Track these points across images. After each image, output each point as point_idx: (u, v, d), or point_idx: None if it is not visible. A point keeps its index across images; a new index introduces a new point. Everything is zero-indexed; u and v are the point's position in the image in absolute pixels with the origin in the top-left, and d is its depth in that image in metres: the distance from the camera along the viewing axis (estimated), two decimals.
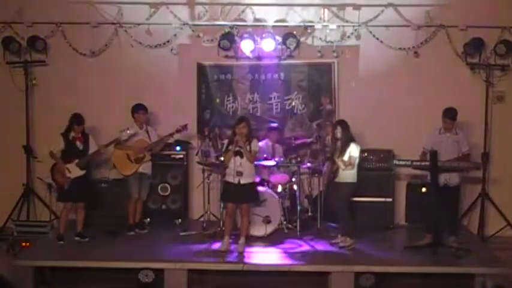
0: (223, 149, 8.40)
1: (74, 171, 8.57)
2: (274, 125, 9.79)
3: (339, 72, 9.90)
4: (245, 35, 9.61)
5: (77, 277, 7.84)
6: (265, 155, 9.26)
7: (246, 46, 9.61)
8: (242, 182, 8.15)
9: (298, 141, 9.66)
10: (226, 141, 8.39)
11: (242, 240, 8.27)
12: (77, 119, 8.62)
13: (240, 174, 8.12)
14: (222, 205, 9.01)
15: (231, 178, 8.17)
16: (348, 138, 8.42)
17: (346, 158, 8.32)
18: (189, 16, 9.92)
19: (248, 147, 8.15)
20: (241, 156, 8.13)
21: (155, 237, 8.94)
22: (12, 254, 8.68)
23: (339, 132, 8.43)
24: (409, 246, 8.48)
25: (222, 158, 8.59)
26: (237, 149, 8.13)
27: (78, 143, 8.65)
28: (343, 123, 8.49)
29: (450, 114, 8.46)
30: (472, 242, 8.81)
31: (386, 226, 9.46)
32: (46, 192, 9.72)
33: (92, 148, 8.70)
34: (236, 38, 9.72)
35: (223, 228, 8.53)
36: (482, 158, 9.52)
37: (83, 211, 8.74)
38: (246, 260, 7.95)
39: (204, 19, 9.95)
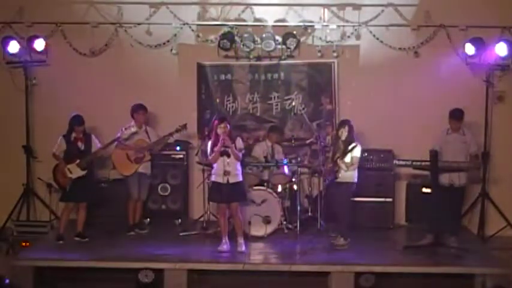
0: (209, 151, 8.39)
1: (74, 171, 8.57)
2: (275, 125, 9.78)
3: (339, 72, 9.90)
4: (245, 35, 9.60)
5: (77, 277, 7.84)
6: (265, 155, 9.26)
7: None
8: (231, 181, 8.17)
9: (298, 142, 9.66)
10: (209, 143, 8.38)
11: (240, 240, 8.28)
12: (76, 120, 8.63)
13: (228, 173, 8.14)
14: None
15: (219, 178, 8.18)
16: (351, 139, 8.41)
17: (348, 159, 8.30)
18: (190, 15, 9.92)
19: (233, 146, 8.17)
20: (228, 156, 8.14)
21: (155, 237, 8.94)
22: (12, 254, 8.68)
23: (345, 132, 8.40)
24: (409, 246, 8.47)
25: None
26: (223, 149, 8.14)
27: (79, 144, 8.65)
28: (350, 124, 8.46)
29: (456, 115, 8.46)
30: (472, 242, 8.81)
31: (386, 226, 9.46)
32: (46, 192, 9.72)
33: (95, 147, 8.71)
34: (236, 38, 9.72)
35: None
36: (482, 158, 9.50)
37: (84, 211, 8.75)
38: (246, 260, 7.94)
39: (204, 19, 9.96)
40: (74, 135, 8.65)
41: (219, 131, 8.15)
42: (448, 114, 8.54)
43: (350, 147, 8.32)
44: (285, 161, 9.22)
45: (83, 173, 8.59)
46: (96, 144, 8.74)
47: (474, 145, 8.53)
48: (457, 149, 8.37)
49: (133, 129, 8.87)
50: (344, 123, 8.53)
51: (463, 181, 8.40)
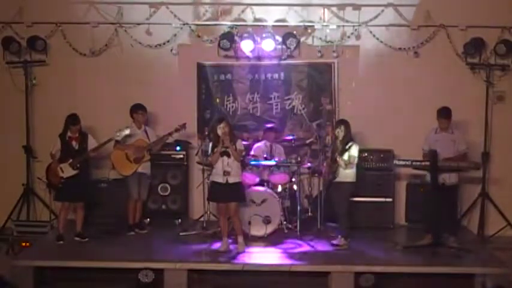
0: (209, 151, 8.40)
1: (66, 171, 8.55)
2: (270, 125, 9.78)
3: (339, 72, 9.90)
4: (245, 35, 9.61)
5: (77, 277, 7.83)
6: (265, 155, 9.27)
7: (246, 46, 9.61)
8: (230, 181, 8.18)
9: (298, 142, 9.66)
10: (210, 145, 8.39)
11: (240, 240, 8.28)
12: (71, 120, 8.62)
13: (227, 173, 8.15)
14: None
15: (219, 178, 8.20)
16: (349, 138, 8.42)
17: (346, 157, 8.32)
18: (192, 16, 9.93)
19: (234, 147, 8.19)
20: (228, 156, 8.16)
21: (155, 237, 8.95)
22: (12, 254, 8.67)
23: (341, 131, 8.42)
24: (409, 246, 8.47)
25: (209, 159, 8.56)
26: (223, 149, 8.15)
27: (73, 143, 8.64)
28: (346, 123, 8.48)
29: (444, 113, 8.48)
30: (472, 242, 8.80)
31: (386, 226, 9.46)
32: (46, 192, 9.71)
33: (92, 147, 8.69)
34: (236, 38, 9.73)
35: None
36: (482, 158, 9.52)
37: (82, 211, 8.73)
38: (246, 260, 7.95)
39: (204, 19, 9.97)
40: (69, 134, 8.63)
41: (219, 131, 8.17)
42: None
43: (347, 147, 8.34)
44: (277, 159, 9.21)
45: (74, 172, 8.57)
46: (92, 144, 8.72)
47: (463, 143, 8.52)
48: (446, 148, 8.34)
49: (126, 132, 8.78)
50: (340, 123, 8.55)
51: (453, 179, 8.38)
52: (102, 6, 9.93)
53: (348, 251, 8.32)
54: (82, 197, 8.70)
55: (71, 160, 8.56)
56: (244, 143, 8.83)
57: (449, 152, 8.36)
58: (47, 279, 7.86)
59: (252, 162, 9.16)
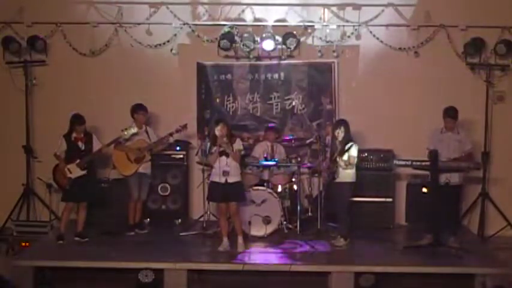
0: (207, 151, 8.41)
1: (74, 171, 8.56)
2: (271, 125, 9.79)
3: (339, 72, 9.90)
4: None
5: (77, 277, 7.83)
6: (265, 155, 9.27)
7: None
8: (229, 180, 8.19)
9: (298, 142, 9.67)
10: (208, 145, 8.40)
11: (240, 239, 8.30)
12: (77, 120, 8.63)
13: (226, 173, 8.16)
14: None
15: (217, 178, 8.21)
16: (348, 138, 8.43)
17: (345, 157, 8.33)
18: (190, 16, 9.93)
19: (231, 147, 8.19)
20: (227, 156, 8.17)
21: (155, 237, 8.94)
22: (12, 254, 8.67)
23: (341, 132, 8.42)
24: (409, 246, 8.47)
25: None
26: (222, 149, 8.16)
27: (80, 143, 8.64)
28: (345, 123, 8.48)
29: (451, 113, 8.45)
30: (472, 242, 8.80)
31: (386, 226, 9.46)
32: (46, 192, 9.70)
33: (96, 147, 8.70)
34: (236, 38, 9.72)
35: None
36: (482, 157, 9.52)
37: (84, 211, 8.74)
38: (246, 260, 7.95)
39: (204, 19, 9.97)
40: (74, 134, 8.64)
41: (217, 133, 8.18)
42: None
43: (347, 147, 8.34)
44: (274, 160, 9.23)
45: (83, 172, 8.59)
46: (97, 143, 8.73)
47: (468, 143, 8.51)
48: (451, 148, 8.34)
49: (133, 130, 8.83)
50: (339, 123, 8.55)
51: (458, 179, 8.37)
52: (102, 6, 9.93)
53: (348, 251, 8.33)
54: (88, 197, 8.71)
55: (78, 160, 8.56)
56: (243, 143, 8.84)
57: (455, 152, 8.35)
58: (47, 279, 7.85)
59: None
